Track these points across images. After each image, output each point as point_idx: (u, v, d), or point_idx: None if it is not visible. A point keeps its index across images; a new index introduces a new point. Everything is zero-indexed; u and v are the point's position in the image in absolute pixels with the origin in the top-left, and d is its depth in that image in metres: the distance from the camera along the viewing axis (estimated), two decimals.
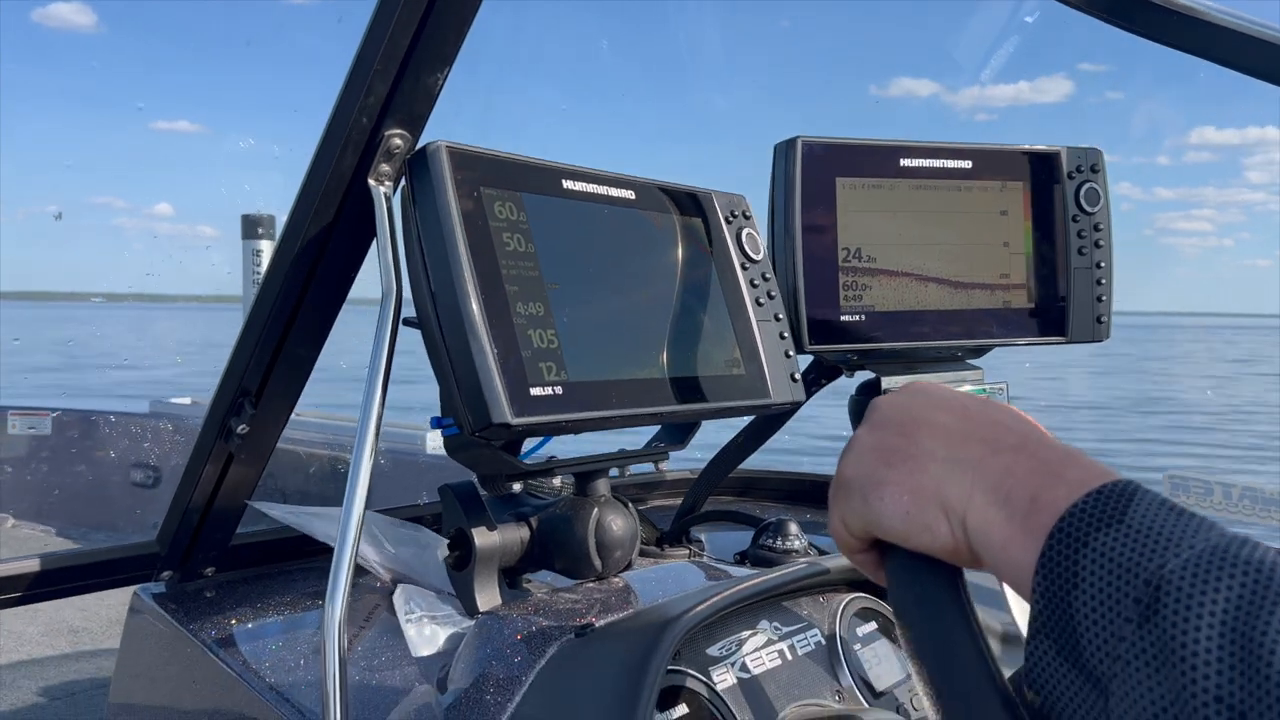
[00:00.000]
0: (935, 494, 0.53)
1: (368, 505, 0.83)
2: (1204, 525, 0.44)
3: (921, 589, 0.55)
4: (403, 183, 0.84)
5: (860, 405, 1.29)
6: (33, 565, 1.00)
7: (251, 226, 3.69)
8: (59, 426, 3.39)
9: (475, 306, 0.78)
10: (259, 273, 3.59)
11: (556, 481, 0.98)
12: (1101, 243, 1.28)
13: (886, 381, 1.24)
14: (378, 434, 0.84)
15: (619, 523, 0.97)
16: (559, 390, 0.82)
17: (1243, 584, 0.40)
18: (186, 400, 3.31)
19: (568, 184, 0.92)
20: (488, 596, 0.91)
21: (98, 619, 3.51)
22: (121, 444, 3.07)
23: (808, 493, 1.70)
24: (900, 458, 0.55)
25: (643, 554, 1.29)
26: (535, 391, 0.80)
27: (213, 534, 1.06)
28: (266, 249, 3.70)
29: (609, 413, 0.86)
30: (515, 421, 0.77)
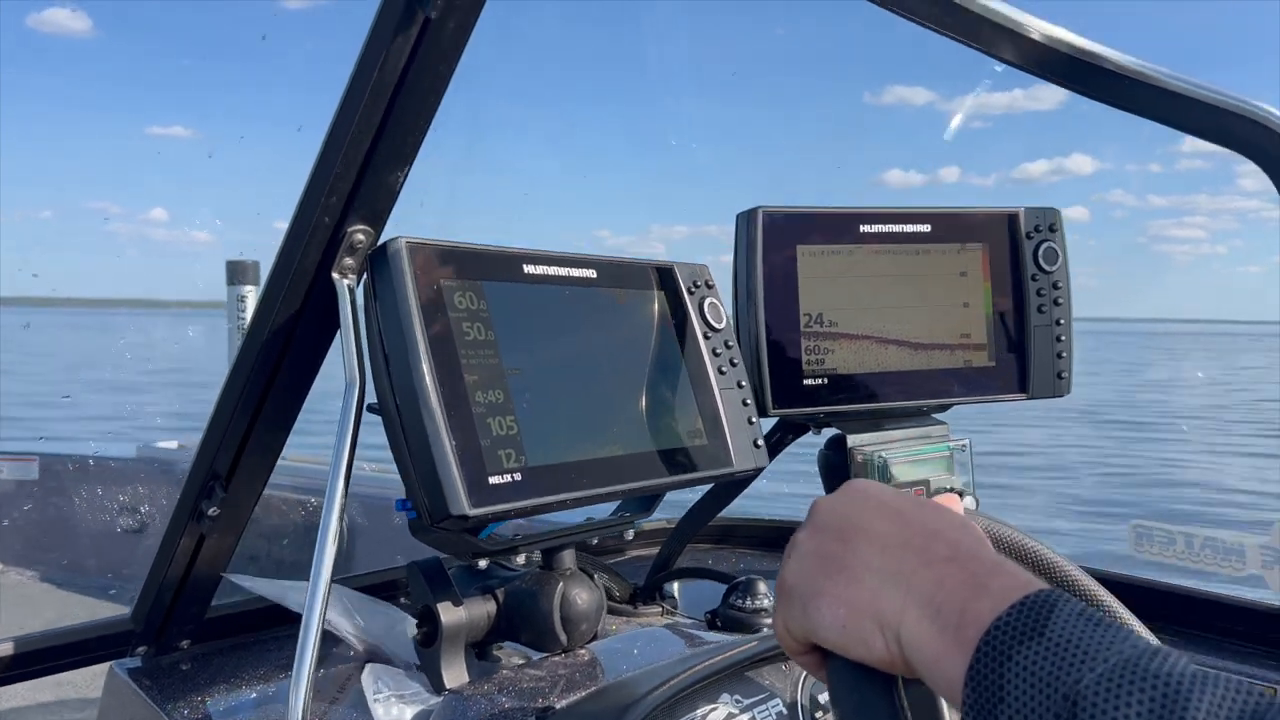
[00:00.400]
0: (871, 607, 0.55)
1: (345, 571, 0.85)
2: (1120, 636, 0.47)
3: (860, 696, 0.57)
4: (365, 276, 0.87)
5: (829, 460, 1.31)
6: (6, 648, 1.01)
7: (236, 273, 3.72)
8: (46, 472, 3.41)
9: (433, 400, 0.80)
10: (243, 319, 3.63)
11: (521, 559, 1.00)
12: (1060, 300, 1.31)
13: (852, 439, 1.27)
14: (341, 517, 0.86)
15: (584, 597, 0.99)
16: (518, 476, 0.84)
17: (1152, 698, 0.42)
18: (174, 444, 3.33)
19: (528, 268, 0.95)
20: (455, 673, 0.93)
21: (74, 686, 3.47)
22: (108, 489, 3.08)
23: (782, 540, 1.71)
24: (837, 567, 0.57)
25: (615, 613, 1.31)
26: (494, 480, 0.82)
27: (188, 608, 1.08)
28: (251, 295, 3.73)
29: (568, 495, 0.88)
30: (473, 513, 0.79)
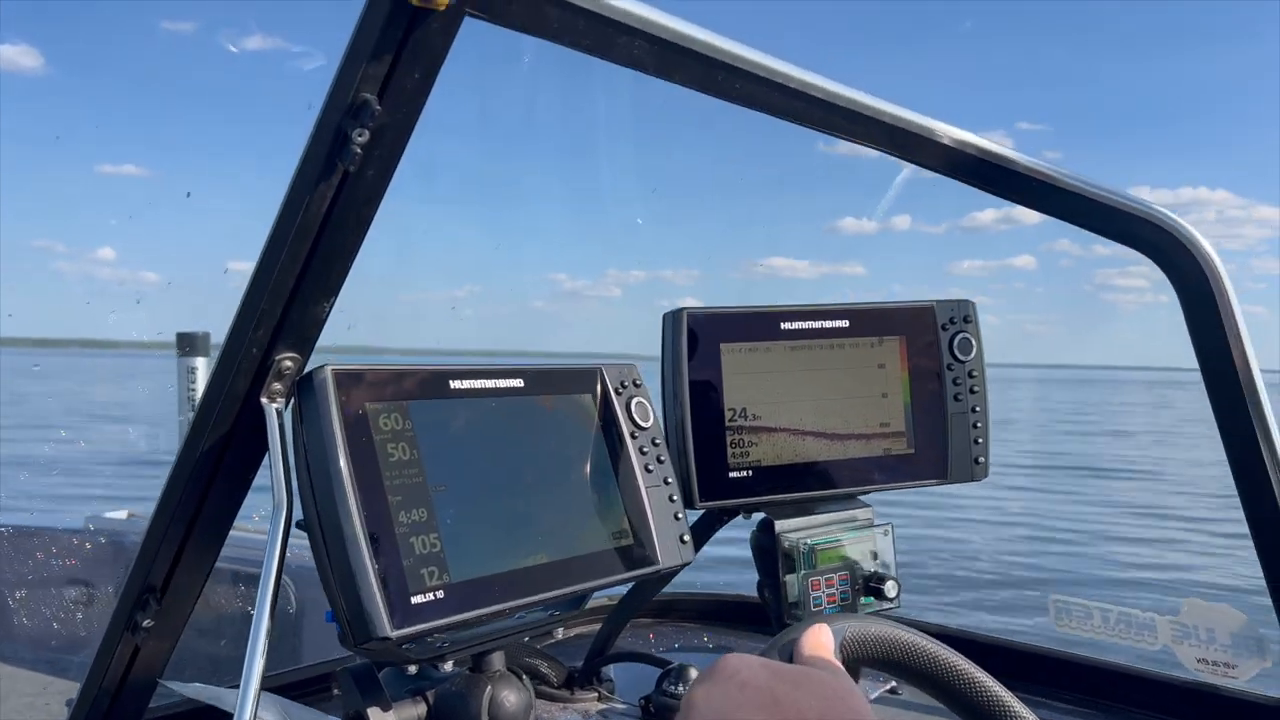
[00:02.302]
0: None
1: (291, 646, 0.87)
2: None
3: None
4: (293, 399, 0.90)
5: (759, 542, 1.36)
6: None
7: (186, 343, 3.73)
8: None
9: (356, 523, 0.84)
10: (193, 390, 3.64)
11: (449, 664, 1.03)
12: (976, 389, 1.38)
13: (779, 525, 1.31)
14: (271, 627, 0.89)
15: (512, 699, 1.02)
16: (440, 594, 0.88)
17: None
18: (122, 514, 3.31)
19: (454, 384, 0.99)
20: None
21: None
22: (56, 561, 3.05)
23: (721, 613, 1.76)
24: None
25: (551, 698, 1.34)
26: (416, 599, 0.86)
27: (124, 712, 1.09)
28: (201, 366, 3.73)
29: (492, 608, 0.92)
30: (395, 634, 0.82)
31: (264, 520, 0.90)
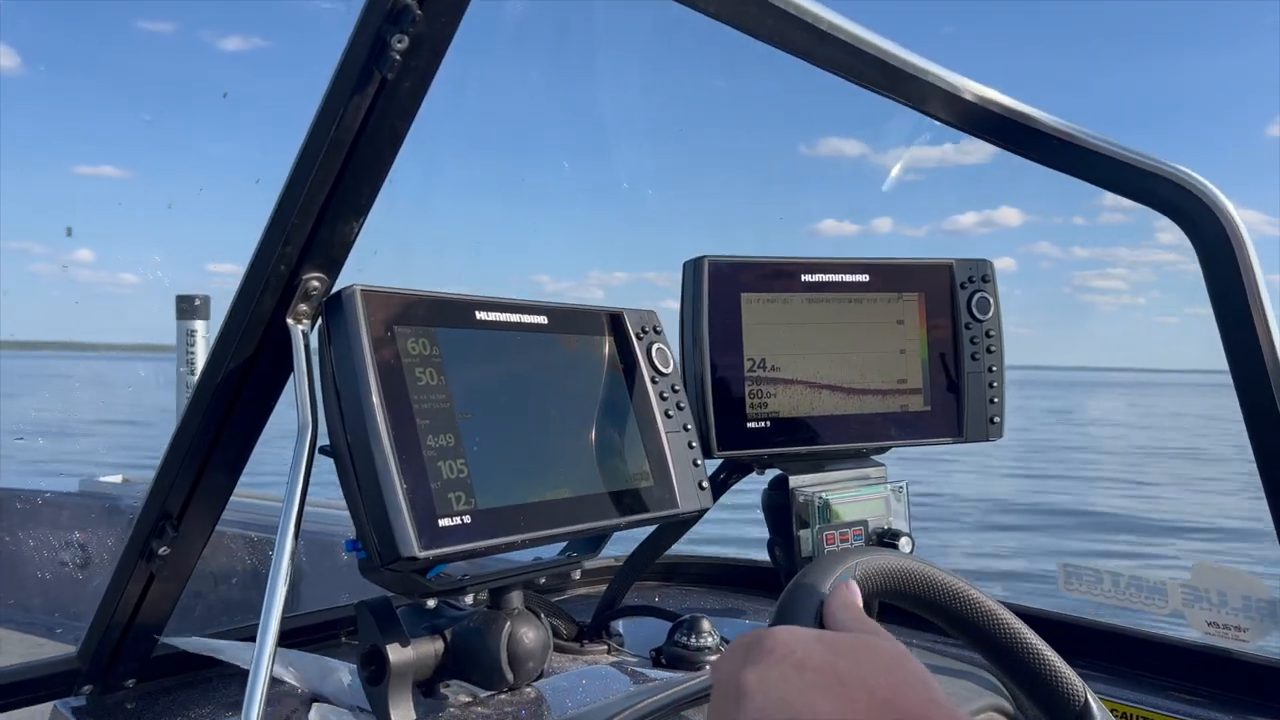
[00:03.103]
0: None
1: (290, 609, 0.87)
2: None
3: None
4: (319, 321, 0.89)
5: (772, 499, 1.35)
6: None
7: (186, 307, 3.70)
8: None
9: (385, 443, 0.83)
10: (193, 353, 3.61)
11: (469, 599, 1.02)
12: (993, 348, 1.37)
13: (794, 480, 1.31)
14: (293, 557, 0.88)
15: (530, 635, 1.01)
16: (467, 519, 0.87)
17: None
18: (117, 479, 3.28)
19: (481, 315, 0.98)
20: (401, 712, 0.95)
21: None
22: (51, 524, 3.03)
23: (728, 576, 1.75)
24: None
25: (562, 650, 1.33)
26: (444, 522, 0.85)
27: (135, 646, 1.08)
28: (201, 329, 3.71)
29: (517, 537, 0.91)
30: (422, 555, 0.81)
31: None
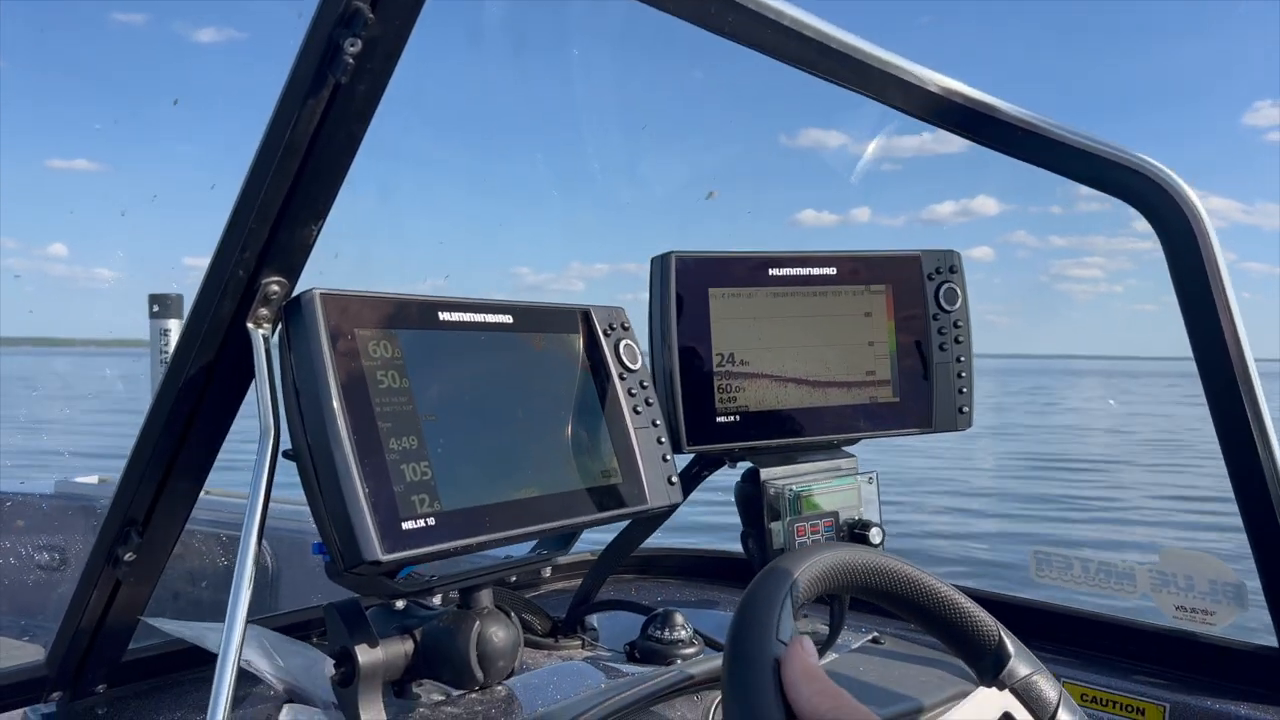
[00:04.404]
0: None
1: (268, 609, 0.86)
2: None
3: None
4: (280, 325, 0.89)
5: (744, 492, 1.36)
6: None
7: (158, 305, 3.68)
8: None
9: (346, 447, 0.83)
10: (166, 351, 3.58)
11: (438, 599, 1.02)
12: (961, 339, 1.38)
13: (765, 473, 1.31)
14: (256, 560, 0.87)
15: (500, 635, 1.01)
16: (432, 521, 0.87)
17: None
18: (93, 479, 3.26)
19: (444, 315, 0.98)
20: (372, 713, 0.95)
21: None
22: (26, 525, 3.01)
23: (702, 568, 1.76)
24: None
25: (536, 646, 1.34)
26: (407, 525, 0.85)
27: (103, 652, 1.08)
28: (174, 328, 3.68)
29: (484, 537, 0.91)
30: (386, 558, 0.81)
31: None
